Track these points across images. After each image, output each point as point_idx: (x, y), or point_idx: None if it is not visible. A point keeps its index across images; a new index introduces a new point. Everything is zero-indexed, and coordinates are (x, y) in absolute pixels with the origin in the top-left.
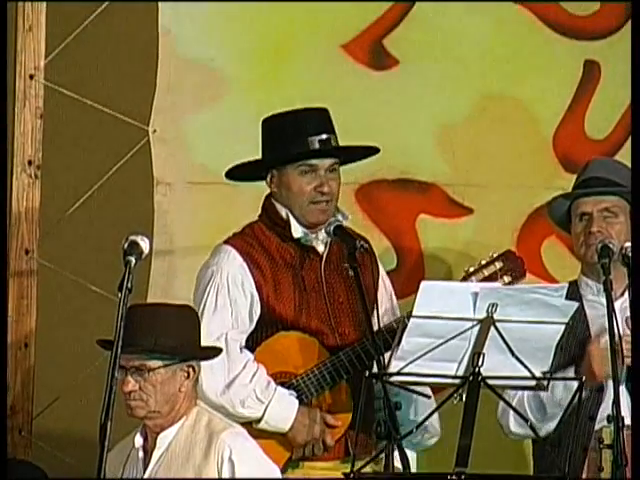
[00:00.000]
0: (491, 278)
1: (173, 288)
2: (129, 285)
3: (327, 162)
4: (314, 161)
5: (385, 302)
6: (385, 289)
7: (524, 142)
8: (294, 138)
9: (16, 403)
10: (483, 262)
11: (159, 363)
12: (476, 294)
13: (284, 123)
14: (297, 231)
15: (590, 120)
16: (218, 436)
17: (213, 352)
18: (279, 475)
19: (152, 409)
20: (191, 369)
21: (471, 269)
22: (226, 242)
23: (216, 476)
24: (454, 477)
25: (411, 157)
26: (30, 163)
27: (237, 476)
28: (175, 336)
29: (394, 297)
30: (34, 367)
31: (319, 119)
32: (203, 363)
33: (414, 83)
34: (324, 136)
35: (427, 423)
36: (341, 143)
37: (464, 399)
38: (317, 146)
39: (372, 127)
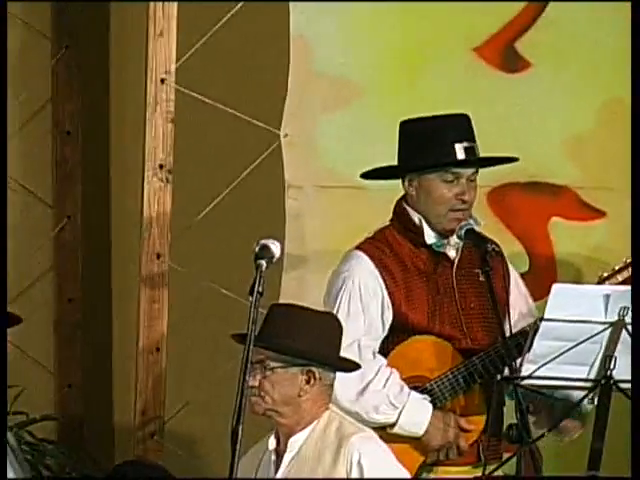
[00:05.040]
0: (625, 283)
1: (305, 292)
2: (260, 289)
3: (469, 171)
4: (458, 169)
5: (520, 305)
6: (519, 291)
7: None
8: (439, 145)
9: (148, 408)
10: (617, 267)
11: (277, 363)
12: (608, 297)
13: (427, 128)
14: (430, 237)
15: None
16: (348, 440)
17: (349, 364)
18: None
19: (270, 407)
20: (312, 375)
21: (605, 274)
22: (357, 248)
23: None
24: None
25: (542, 160)
26: (161, 167)
27: None
28: (296, 340)
29: (530, 299)
30: (165, 371)
31: (463, 126)
32: None
33: (546, 85)
34: (468, 144)
35: None
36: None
37: (596, 403)
38: (464, 155)
39: (504, 129)
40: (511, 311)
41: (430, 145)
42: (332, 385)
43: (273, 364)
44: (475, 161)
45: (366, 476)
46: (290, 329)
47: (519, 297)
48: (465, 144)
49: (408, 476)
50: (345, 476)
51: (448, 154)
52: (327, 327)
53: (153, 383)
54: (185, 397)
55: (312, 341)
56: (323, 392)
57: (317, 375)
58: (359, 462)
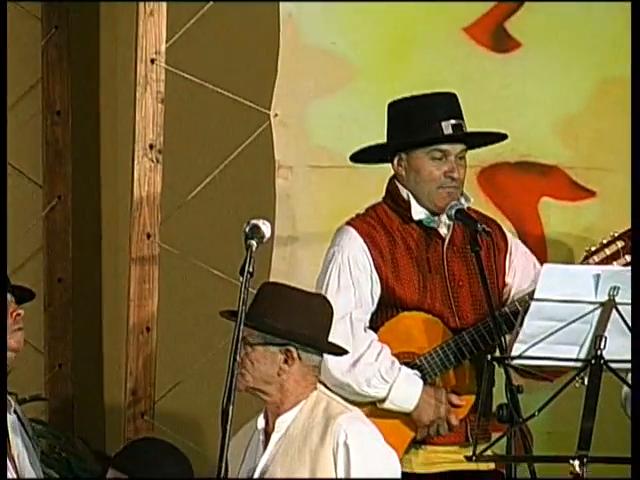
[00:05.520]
0: (613, 257)
1: (295, 272)
2: (250, 269)
3: (458, 148)
4: (446, 146)
5: (530, 272)
6: (526, 259)
7: None
8: (427, 122)
9: (138, 387)
10: (604, 241)
11: (257, 340)
12: (598, 277)
13: (414, 107)
14: (418, 213)
15: None
16: (334, 420)
17: (334, 348)
18: (396, 460)
19: (250, 385)
20: (290, 355)
21: (592, 248)
22: (348, 223)
23: (331, 460)
24: (576, 460)
25: (533, 140)
26: (152, 147)
27: (352, 461)
28: (278, 319)
29: (537, 265)
30: (156, 351)
31: (450, 104)
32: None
33: (536, 66)
34: (455, 121)
35: None
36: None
37: (586, 382)
38: (451, 131)
39: (494, 110)
40: (526, 281)
41: (418, 123)
42: (317, 367)
43: (253, 341)
44: (463, 136)
45: (352, 456)
46: (274, 308)
47: (527, 266)
48: (452, 121)
49: (395, 456)
50: (332, 456)
51: (436, 131)
52: (313, 308)
53: (143, 363)
54: (175, 377)
55: (294, 321)
56: (307, 373)
57: (295, 355)
58: (345, 442)
